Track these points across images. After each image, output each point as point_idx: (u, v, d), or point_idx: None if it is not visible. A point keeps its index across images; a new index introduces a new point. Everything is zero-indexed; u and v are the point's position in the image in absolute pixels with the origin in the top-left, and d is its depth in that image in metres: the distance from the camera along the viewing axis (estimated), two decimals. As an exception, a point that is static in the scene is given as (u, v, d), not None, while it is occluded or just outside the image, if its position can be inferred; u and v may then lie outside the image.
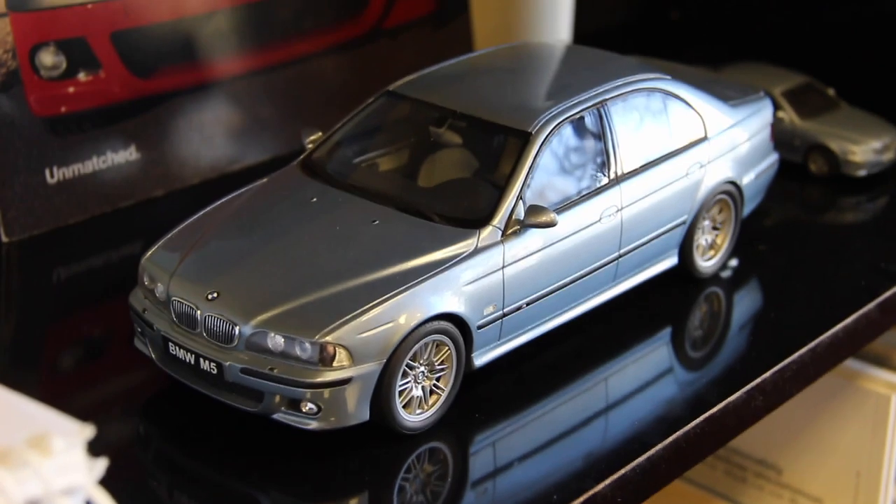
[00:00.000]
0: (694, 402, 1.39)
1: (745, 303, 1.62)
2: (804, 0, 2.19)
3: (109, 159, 1.78)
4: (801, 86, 2.01)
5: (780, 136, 1.79)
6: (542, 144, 1.39)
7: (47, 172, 1.72)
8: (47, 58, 1.71)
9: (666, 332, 1.53)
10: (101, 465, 0.88)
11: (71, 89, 1.74)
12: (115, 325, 1.52)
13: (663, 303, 1.57)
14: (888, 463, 1.85)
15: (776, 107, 1.80)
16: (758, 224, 1.76)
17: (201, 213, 1.43)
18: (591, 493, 1.22)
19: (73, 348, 1.53)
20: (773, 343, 1.50)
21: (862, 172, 1.91)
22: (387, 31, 2.09)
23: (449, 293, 1.29)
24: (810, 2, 2.19)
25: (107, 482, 0.88)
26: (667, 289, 1.59)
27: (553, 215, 1.35)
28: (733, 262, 1.66)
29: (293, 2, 1.97)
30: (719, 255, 1.63)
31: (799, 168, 1.95)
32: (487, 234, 1.34)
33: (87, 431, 0.87)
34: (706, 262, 1.61)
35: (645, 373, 1.45)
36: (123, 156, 1.79)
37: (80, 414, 0.96)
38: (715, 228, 1.62)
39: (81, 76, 1.75)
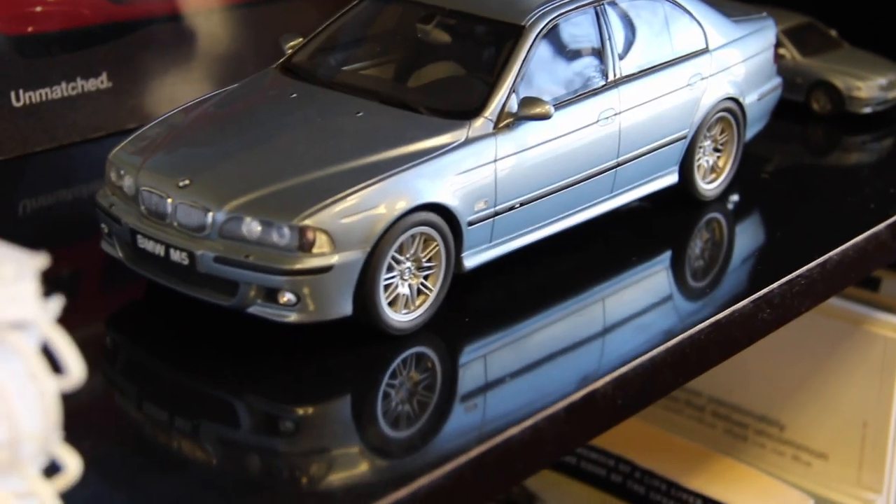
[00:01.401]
0: (700, 310, 1.31)
1: (751, 225, 1.55)
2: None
3: (79, 86, 1.69)
4: (803, 25, 1.94)
5: (782, 75, 1.71)
6: (535, 38, 1.31)
7: (13, 95, 1.63)
8: (13, -28, 1.63)
9: (666, 256, 1.44)
10: (57, 303, 0.79)
11: (38, 8, 1.65)
12: (85, 262, 1.42)
13: (664, 224, 1.49)
14: (897, 410, 1.77)
15: (777, 44, 1.72)
16: (759, 167, 1.69)
17: (172, 111, 1.34)
18: (590, 388, 1.14)
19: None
20: (780, 259, 1.42)
21: (867, 109, 1.84)
22: (371, -25, 2.01)
23: (438, 183, 1.20)
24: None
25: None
26: (669, 211, 1.51)
27: (549, 107, 1.27)
28: (734, 197, 1.58)
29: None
30: (721, 178, 1.55)
31: (801, 108, 1.87)
32: (479, 125, 1.25)
33: (39, 260, 0.79)
34: (708, 185, 1.53)
35: (644, 295, 1.36)
36: (94, 84, 1.71)
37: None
38: (717, 150, 1.54)
39: (50, -5, 1.67)
